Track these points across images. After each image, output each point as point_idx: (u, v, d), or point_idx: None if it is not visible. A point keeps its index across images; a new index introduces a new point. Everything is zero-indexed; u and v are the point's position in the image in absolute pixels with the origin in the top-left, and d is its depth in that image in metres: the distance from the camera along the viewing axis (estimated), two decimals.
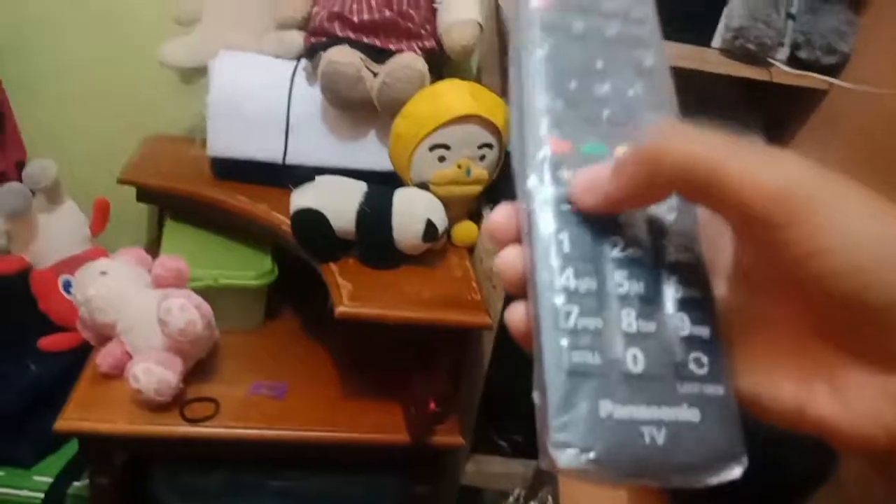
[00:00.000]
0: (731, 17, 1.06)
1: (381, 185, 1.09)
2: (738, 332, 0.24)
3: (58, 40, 1.34)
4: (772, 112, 1.23)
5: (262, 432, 1.06)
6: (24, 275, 1.24)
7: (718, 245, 0.25)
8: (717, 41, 1.09)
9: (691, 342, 0.23)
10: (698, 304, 0.24)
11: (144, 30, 1.30)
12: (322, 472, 1.18)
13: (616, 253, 0.24)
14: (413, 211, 1.04)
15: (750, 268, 0.24)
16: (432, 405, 1.05)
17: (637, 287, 0.23)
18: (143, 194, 1.26)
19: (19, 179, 1.21)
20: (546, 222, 0.23)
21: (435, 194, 1.07)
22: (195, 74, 1.24)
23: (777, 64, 1.08)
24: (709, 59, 1.07)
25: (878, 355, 0.20)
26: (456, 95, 1.07)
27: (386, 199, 1.05)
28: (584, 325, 0.22)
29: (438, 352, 1.13)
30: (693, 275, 0.24)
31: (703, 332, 0.23)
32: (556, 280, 0.22)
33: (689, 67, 1.06)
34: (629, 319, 0.23)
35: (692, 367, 0.22)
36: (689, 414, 0.22)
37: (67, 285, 1.24)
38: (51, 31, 1.33)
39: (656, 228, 0.25)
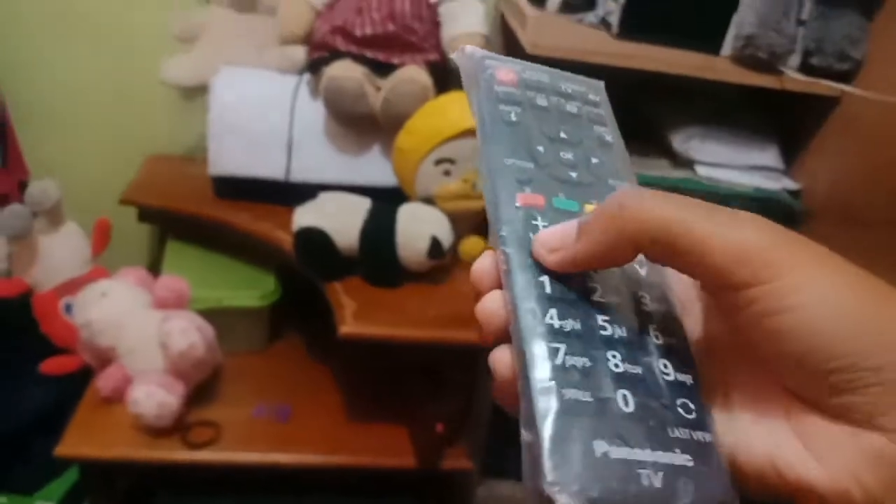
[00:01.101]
0: (742, 25, 1.03)
1: (386, 200, 1.07)
2: (708, 391, 0.24)
3: (59, 61, 1.33)
4: (785, 120, 1.21)
5: (265, 457, 1.04)
6: (26, 297, 1.22)
7: (686, 309, 0.26)
8: (727, 49, 1.07)
9: (676, 388, 0.23)
10: (679, 352, 0.24)
11: (145, 48, 1.30)
12: (328, 497, 1.15)
13: (597, 297, 0.24)
14: (417, 227, 1.01)
15: (716, 329, 0.25)
16: (440, 428, 1.02)
17: (620, 331, 0.23)
18: (145, 214, 1.25)
19: (21, 201, 1.20)
20: (526, 266, 0.24)
21: (441, 209, 1.05)
22: (197, 92, 1.23)
23: (788, 72, 1.06)
24: (719, 68, 1.05)
25: (840, 412, 0.21)
26: (460, 109, 1.05)
27: (390, 215, 1.03)
28: (573, 363, 0.22)
29: (446, 372, 1.10)
30: (670, 325, 0.25)
31: (687, 379, 0.23)
32: (541, 319, 0.22)
33: (699, 77, 1.04)
34: (616, 360, 0.23)
35: (681, 411, 0.22)
36: (683, 458, 0.21)
37: (69, 308, 1.22)
38: (52, 51, 1.33)
39: (632, 280, 0.25)
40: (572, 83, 0.31)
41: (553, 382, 0.21)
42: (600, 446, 0.20)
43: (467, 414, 1.13)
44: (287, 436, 1.07)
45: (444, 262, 1.06)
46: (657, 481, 0.21)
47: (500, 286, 0.25)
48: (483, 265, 0.26)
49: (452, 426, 1.03)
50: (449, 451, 1.07)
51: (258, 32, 1.21)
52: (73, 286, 1.20)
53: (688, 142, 1.16)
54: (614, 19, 1.04)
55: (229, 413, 1.09)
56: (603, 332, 0.23)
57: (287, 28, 1.16)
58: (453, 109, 1.05)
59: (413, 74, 1.08)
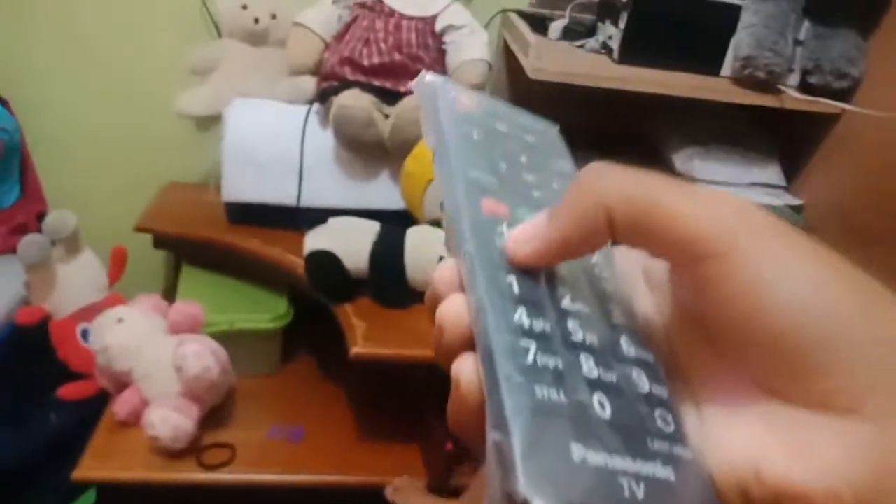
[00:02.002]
0: (739, 46, 1.06)
1: (395, 223, 1.09)
2: (678, 403, 0.23)
3: (76, 92, 1.37)
4: (785, 138, 1.23)
5: (279, 477, 1.05)
6: (44, 324, 1.25)
7: (651, 328, 0.25)
8: (726, 70, 1.09)
9: (652, 400, 0.21)
10: (651, 366, 0.23)
11: (160, 81, 1.33)
12: None
13: (566, 304, 0.23)
14: (426, 249, 1.03)
15: (683, 341, 0.23)
16: (450, 446, 1.03)
17: (591, 338, 0.22)
18: (160, 241, 1.27)
19: (39, 230, 1.23)
20: (491, 265, 0.22)
21: None
22: (210, 122, 1.26)
23: (788, 90, 1.08)
24: (719, 89, 1.07)
25: (821, 400, 0.19)
26: None
27: (399, 238, 1.05)
28: (544, 363, 0.20)
29: None
30: (640, 339, 0.23)
31: (662, 392, 0.22)
32: (510, 317, 0.21)
33: (700, 98, 1.06)
34: (589, 365, 0.21)
35: (660, 423, 0.21)
36: (665, 472, 0.20)
37: (85, 334, 1.24)
38: (68, 85, 1.36)
39: (601, 292, 0.24)
40: (530, 120, 0.31)
41: (524, 379, 0.19)
42: (578, 450, 0.19)
43: None
44: (301, 456, 1.08)
45: None
46: (640, 493, 0.19)
47: (462, 291, 0.23)
48: (444, 272, 0.24)
49: (462, 444, 1.04)
50: (459, 469, 1.08)
51: (269, 65, 1.25)
52: (90, 312, 1.22)
53: (690, 161, 1.18)
54: (615, 45, 1.07)
55: (243, 435, 1.10)
56: (574, 337, 0.22)
57: (297, 60, 1.20)
58: None
59: (421, 74, 1.11)
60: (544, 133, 0.30)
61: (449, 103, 0.28)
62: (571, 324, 0.22)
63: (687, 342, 0.23)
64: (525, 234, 0.23)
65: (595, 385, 0.21)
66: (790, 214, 1.16)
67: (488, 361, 0.20)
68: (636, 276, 0.26)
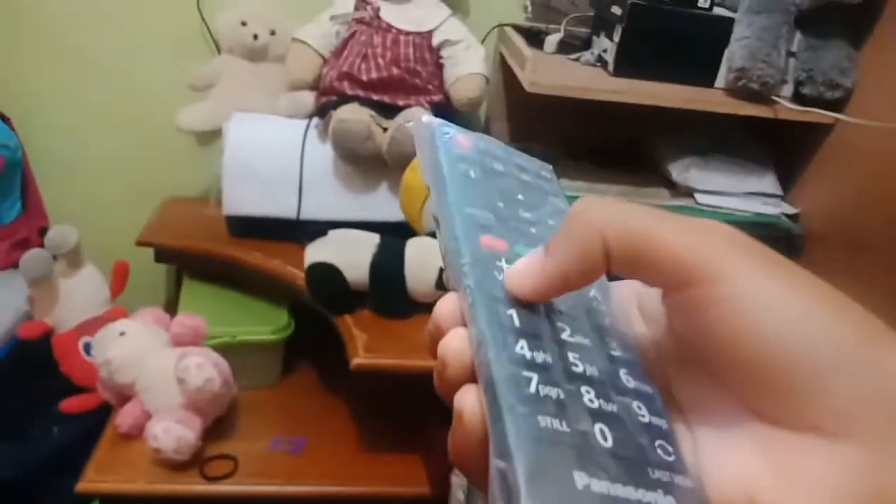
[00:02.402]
0: (733, 58, 1.07)
1: (394, 235, 1.10)
2: (674, 423, 0.23)
3: (77, 108, 1.39)
4: (780, 147, 1.24)
5: (281, 489, 1.06)
6: (46, 338, 1.26)
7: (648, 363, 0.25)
8: (720, 82, 1.11)
9: (653, 430, 0.22)
10: (650, 397, 0.23)
11: (160, 97, 1.35)
12: None
13: (566, 336, 0.23)
14: (426, 260, 1.04)
15: (678, 350, 0.24)
16: None
17: (592, 370, 0.22)
18: (161, 255, 1.28)
19: (41, 245, 1.24)
20: (492, 299, 0.23)
21: None
22: (210, 137, 1.27)
23: (782, 101, 1.09)
24: (713, 100, 1.08)
25: (809, 422, 0.19)
26: None
27: (398, 249, 1.06)
28: (546, 393, 0.20)
29: None
30: (639, 372, 0.24)
31: (662, 423, 0.22)
32: (511, 349, 0.21)
33: (695, 109, 1.07)
34: (590, 396, 0.21)
35: (660, 452, 0.21)
36: (666, 501, 0.20)
37: (88, 347, 1.25)
38: (69, 99, 1.38)
39: (598, 326, 0.25)
40: (524, 159, 0.31)
41: (527, 409, 0.20)
42: (581, 478, 0.19)
43: None
44: (303, 468, 1.09)
45: None
46: None
47: (463, 325, 0.23)
48: (445, 306, 0.24)
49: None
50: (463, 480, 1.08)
51: (269, 80, 1.26)
52: (92, 326, 1.23)
53: (686, 171, 1.19)
54: (610, 58, 1.09)
55: (246, 446, 1.11)
56: (575, 369, 0.22)
57: (296, 75, 1.21)
58: None
59: (418, 115, 1.12)
60: (538, 172, 0.31)
61: (446, 142, 0.28)
62: (572, 356, 0.22)
63: (681, 371, 0.24)
64: (523, 269, 0.23)
65: (596, 415, 0.21)
66: (787, 223, 1.17)
67: (491, 392, 0.20)
68: (632, 310, 0.27)
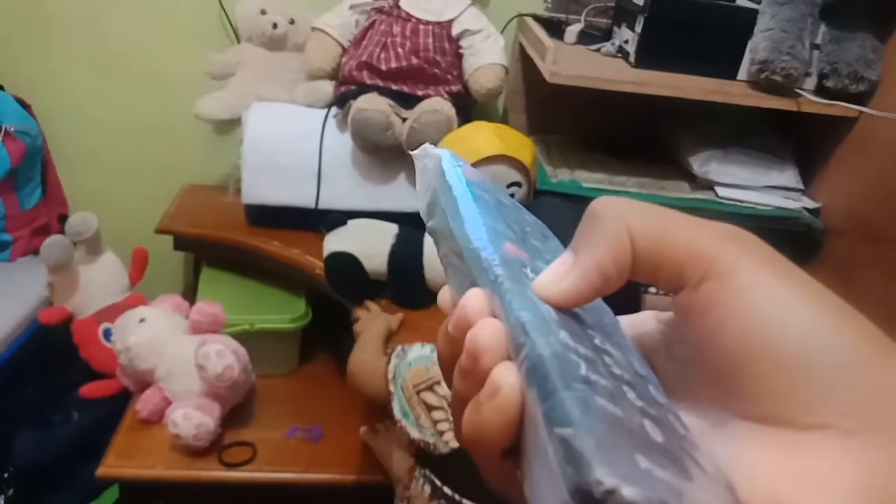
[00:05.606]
0: (756, 50, 1.06)
1: (414, 225, 1.10)
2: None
3: (96, 99, 1.39)
4: (802, 141, 1.23)
5: (298, 476, 1.06)
6: (66, 324, 1.27)
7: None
8: (742, 74, 1.10)
9: (688, 441, 0.21)
10: (678, 415, 0.23)
11: (180, 86, 1.35)
12: None
13: (598, 342, 0.23)
14: None
15: (693, 360, 0.24)
16: None
17: (628, 376, 0.22)
18: (180, 242, 1.29)
19: (61, 232, 1.25)
20: (527, 297, 0.22)
21: None
22: (230, 125, 1.28)
23: (805, 94, 1.08)
24: (735, 92, 1.07)
25: (819, 420, 0.19)
26: (483, 137, 1.08)
27: (417, 240, 1.06)
28: (597, 380, 0.20)
29: None
30: (663, 391, 0.24)
31: (693, 438, 0.22)
32: (556, 335, 0.21)
33: (716, 101, 1.06)
34: (633, 395, 0.21)
35: (697, 455, 0.21)
36: (714, 499, 0.19)
37: (108, 333, 1.26)
38: (90, 90, 1.39)
39: (617, 344, 0.24)
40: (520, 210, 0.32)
41: (584, 387, 0.19)
42: (643, 461, 0.18)
43: None
44: (320, 455, 1.10)
45: None
46: None
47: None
48: (472, 302, 0.23)
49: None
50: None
51: (288, 69, 1.26)
52: (112, 312, 1.24)
53: (707, 164, 1.19)
54: (632, 49, 1.08)
55: (264, 434, 1.12)
56: (615, 370, 0.22)
57: (315, 64, 1.21)
58: (476, 137, 1.09)
59: (437, 105, 1.12)
60: (537, 221, 0.31)
61: (456, 169, 0.28)
62: (608, 359, 0.22)
63: (686, 395, 0.24)
64: (555, 273, 0.23)
65: (642, 412, 0.21)
66: (807, 217, 1.16)
67: (541, 372, 0.20)
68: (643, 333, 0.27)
